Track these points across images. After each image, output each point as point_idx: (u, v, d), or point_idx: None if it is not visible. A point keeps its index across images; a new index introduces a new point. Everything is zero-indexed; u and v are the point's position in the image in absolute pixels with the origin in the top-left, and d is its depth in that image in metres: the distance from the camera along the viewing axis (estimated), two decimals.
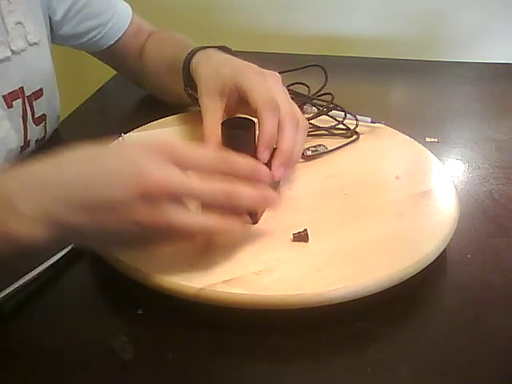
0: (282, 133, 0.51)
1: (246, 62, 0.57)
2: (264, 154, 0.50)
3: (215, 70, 0.57)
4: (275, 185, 0.54)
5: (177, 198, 0.40)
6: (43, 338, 0.44)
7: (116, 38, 0.77)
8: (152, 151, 0.40)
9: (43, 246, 0.39)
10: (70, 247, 0.51)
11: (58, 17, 0.71)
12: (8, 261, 0.40)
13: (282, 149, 0.51)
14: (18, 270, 0.48)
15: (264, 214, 0.53)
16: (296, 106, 0.55)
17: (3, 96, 0.61)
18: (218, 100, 0.55)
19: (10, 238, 0.38)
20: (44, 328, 0.45)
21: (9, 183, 0.39)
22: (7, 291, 0.46)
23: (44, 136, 0.71)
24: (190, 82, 0.62)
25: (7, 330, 0.45)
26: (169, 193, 0.39)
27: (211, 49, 0.64)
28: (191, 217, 0.42)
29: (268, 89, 0.52)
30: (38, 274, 0.48)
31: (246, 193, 0.43)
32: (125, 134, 0.64)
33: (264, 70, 0.56)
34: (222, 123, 0.52)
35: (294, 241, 0.49)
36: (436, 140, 0.75)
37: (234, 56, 0.61)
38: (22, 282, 0.47)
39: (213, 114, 0.55)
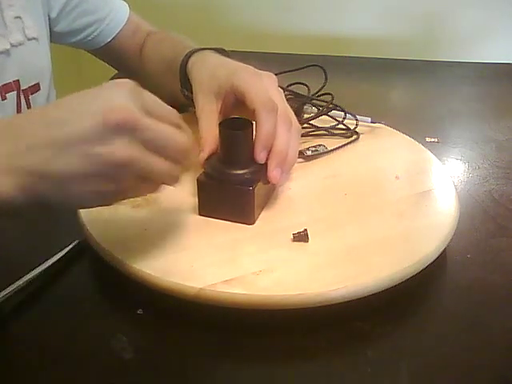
0: (275, 134, 0.51)
1: (241, 64, 0.57)
2: (261, 155, 0.50)
3: (211, 72, 0.57)
4: (272, 186, 0.54)
5: (136, 132, 0.39)
6: (43, 338, 0.44)
7: (113, 35, 0.78)
8: (120, 90, 0.40)
9: (14, 204, 0.38)
10: (69, 247, 0.51)
11: (54, 14, 0.71)
12: None
13: (276, 150, 0.51)
14: (18, 269, 0.48)
15: (264, 214, 0.53)
16: (290, 109, 0.55)
17: None
18: (213, 102, 0.55)
19: None
20: (44, 328, 0.45)
21: None
22: (7, 291, 0.46)
23: None
24: (187, 83, 0.63)
25: (7, 330, 0.45)
26: (129, 123, 0.38)
27: (207, 51, 0.64)
28: (152, 156, 0.40)
29: (265, 89, 0.52)
30: (37, 274, 0.48)
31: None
32: None
33: (260, 71, 0.56)
34: (220, 124, 0.52)
35: (294, 241, 0.49)
36: (436, 140, 0.75)
37: (230, 58, 0.61)
38: (21, 281, 0.47)
39: (208, 116, 0.55)
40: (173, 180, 0.43)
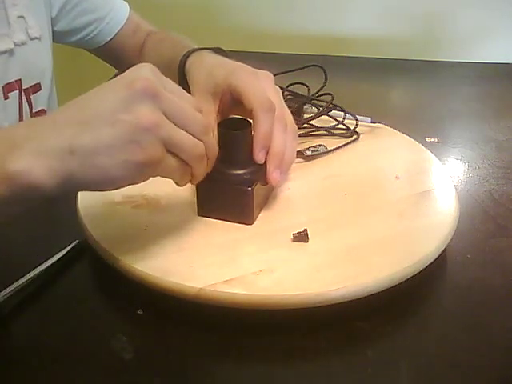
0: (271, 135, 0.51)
1: (238, 63, 0.57)
2: (260, 155, 0.50)
3: (208, 72, 0.57)
4: (271, 186, 0.54)
5: (159, 100, 0.40)
6: (43, 338, 0.44)
7: (113, 34, 0.78)
8: (143, 67, 0.42)
9: (45, 189, 0.38)
10: (69, 247, 0.51)
11: (53, 13, 0.72)
12: (12, 214, 0.40)
13: (273, 152, 0.51)
14: (18, 269, 0.48)
15: (264, 214, 0.53)
16: (286, 108, 0.55)
17: (1, 87, 0.62)
18: (211, 102, 0.55)
19: (9, 177, 0.37)
20: (44, 328, 0.45)
21: (16, 126, 0.41)
22: (7, 291, 0.46)
23: None
24: (185, 83, 0.63)
25: (7, 330, 0.45)
26: (152, 90, 0.40)
27: (205, 51, 0.63)
28: (175, 126, 0.41)
29: (262, 89, 0.52)
30: (37, 274, 0.48)
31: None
32: None
33: (257, 70, 0.55)
34: (218, 124, 0.51)
35: (294, 241, 0.49)
36: (436, 140, 0.75)
37: (228, 58, 0.61)
38: (22, 281, 0.47)
39: (206, 116, 0.55)
40: (198, 158, 0.44)
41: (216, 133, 0.51)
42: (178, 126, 0.41)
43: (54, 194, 0.39)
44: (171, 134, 0.41)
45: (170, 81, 0.43)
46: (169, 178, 0.44)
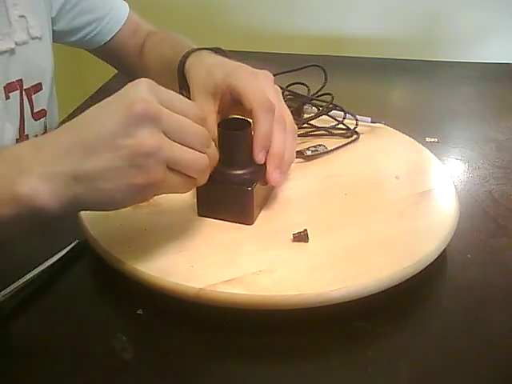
0: (271, 136, 0.51)
1: (238, 63, 0.57)
2: (260, 155, 0.50)
3: (207, 72, 0.57)
4: (271, 186, 0.54)
5: (159, 122, 0.40)
6: (43, 338, 0.44)
7: (113, 34, 0.78)
8: (138, 86, 0.41)
9: (50, 211, 0.39)
10: (69, 247, 0.51)
11: (53, 12, 0.72)
12: (17, 232, 0.41)
13: (273, 152, 0.51)
14: (18, 269, 0.48)
15: (264, 214, 0.53)
16: (286, 108, 0.55)
17: (3, 87, 0.62)
18: (210, 102, 0.55)
19: (16, 198, 0.39)
20: (44, 328, 0.45)
21: (22, 146, 0.42)
22: (7, 291, 0.46)
23: (44, 133, 0.71)
24: (185, 84, 0.63)
25: (7, 330, 0.45)
26: (151, 113, 0.40)
27: (205, 51, 0.63)
28: (176, 144, 0.41)
29: (262, 89, 0.52)
30: (37, 274, 0.48)
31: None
32: None
33: (256, 70, 0.55)
34: (218, 124, 0.51)
35: (294, 241, 0.49)
36: (436, 140, 0.75)
37: (228, 58, 0.61)
38: (21, 281, 0.47)
39: (206, 118, 0.55)
40: (203, 170, 0.44)
41: (216, 133, 0.51)
42: (180, 143, 0.42)
43: (59, 214, 0.40)
44: (173, 154, 0.41)
45: (169, 92, 0.43)
46: (173, 193, 0.44)
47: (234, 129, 0.50)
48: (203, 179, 0.45)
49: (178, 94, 0.44)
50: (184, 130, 0.42)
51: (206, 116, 0.45)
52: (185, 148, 0.42)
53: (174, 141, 0.41)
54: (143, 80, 0.42)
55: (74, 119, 0.42)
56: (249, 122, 0.51)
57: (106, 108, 0.41)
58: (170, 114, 0.41)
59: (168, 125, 0.41)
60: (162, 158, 0.40)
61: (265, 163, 0.51)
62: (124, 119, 0.39)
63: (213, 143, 0.45)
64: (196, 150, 0.43)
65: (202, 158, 0.43)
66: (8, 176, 0.39)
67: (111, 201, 0.41)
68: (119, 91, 0.42)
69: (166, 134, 0.41)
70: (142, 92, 0.41)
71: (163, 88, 0.43)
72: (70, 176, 0.39)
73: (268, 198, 0.55)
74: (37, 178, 0.39)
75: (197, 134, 0.43)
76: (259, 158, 0.50)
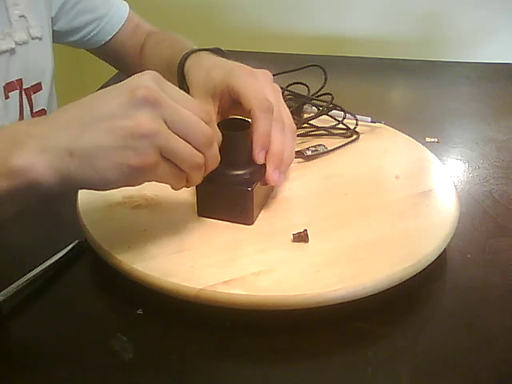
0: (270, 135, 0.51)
1: (236, 63, 0.57)
2: (259, 155, 0.50)
3: (206, 73, 0.57)
4: (270, 186, 0.54)
5: (161, 108, 0.41)
6: (43, 338, 0.44)
7: (113, 33, 0.78)
8: (145, 76, 0.42)
9: (45, 185, 0.39)
10: (69, 247, 0.51)
11: (53, 12, 0.72)
12: (13, 210, 0.41)
13: (272, 152, 0.51)
14: (18, 269, 0.48)
15: (263, 214, 0.53)
16: (285, 107, 0.55)
17: (3, 87, 0.62)
18: (209, 103, 0.55)
19: (11, 171, 0.39)
20: (44, 328, 0.45)
21: (18, 124, 0.43)
22: (7, 291, 0.46)
23: None
24: (184, 85, 0.63)
25: (7, 330, 0.45)
26: (154, 97, 0.40)
27: (204, 52, 0.63)
28: (174, 135, 0.42)
29: (261, 89, 0.52)
30: (37, 274, 0.48)
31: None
32: None
33: (255, 70, 0.55)
34: (218, 125, 0.51)
35: (294, 241, 0.49)
36: (436, 140, 0.75)
37: (227, 58, 0.60)
38: (21, 281, 0.47)
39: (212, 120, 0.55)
40: (196, 168, 0.44)
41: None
42: (179, 135, 0.42)
43: (54, 190, 0.40)
44: (168, 142, 0.41)
45: (177, 88, 0.43)
46: (164, 183, 0.44)
47: (234, 129, 0.50)
48: (196, 177, 0.45)
49: (184, 93, 0.44)
50: (185, 123, 0.42)
51: (211, 119, 0.45)
52: (182, 141, 0.42)
53: (174, 131, 0.41)
54: (149, 71, 0.43)
55: (76, 101, 0.42)
56: (248, 122, 0.51)
57: (109, 91, 0.42)
58: (172, 104, 0.41)
59: (169, 114, 0.41)
60: (156, 143, 0.40)
61: (264, 163, 0.51)
62: (126, 101, 0.40)
63: (215, 145, 0.45)
64: (194, 147, 0.43)
65: (196, 156, 0.43)
66: (3, 150, 0.39)
67: (102, 180, 0.41)
68: (125, 80, 0.42)
69: (166, 123, 0.41)
70: (148, 80, 0.41)
71: (170, 84, 0.43)
72: (65, 150, 0.39)
73: (268, 198, 0.55)
74: (32, 150, 0.39)
75: (198, 131, 0.43)
76: (259, 157, 0.50)
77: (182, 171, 0.44)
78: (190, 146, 0.43)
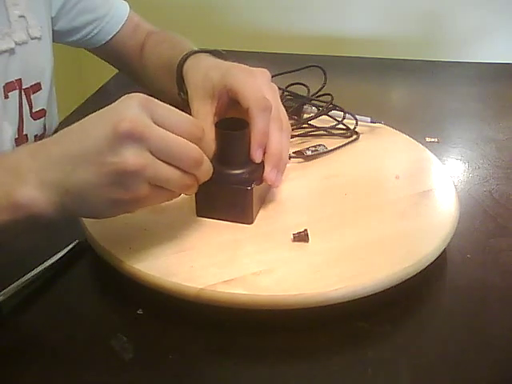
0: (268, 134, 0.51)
1: (234, 63, 0.57)
2: (257, 153, 0.50)
3: (204, 74, 0.57)
4: (267, 187, 0.54)
5: (146, 141, 0.40)
6: (43, 338, 0.44)
7: (113, 33, 0.78)
8: (130, 102, 0.42)
9: (46, 217, 0.41)
10: (69, 247, 0.51)
11: (53, 13, 0.72)
12: (16, 234, 0.43)
13: (270, 151, 0.51)
14: (18, 270, 0.48)
15: (264, 214, 0.53)
16: (282, 107, 0.55)
17: (2, 87, 0.62)
18: (208, 104, 0.55)
19: (15, 206, 0.40)
20: (44, 328, 0.45)
21: (19, 153, 0.43)
22: (7, 291, 0.46)
23: (43, 133, 0.71)
24: (183, 86, 0.63)
25: (7, 330, 0.45)
26: (138, 132, 0.40)
27: (202, 54, 0.63)
28: (162, 164, 0.42)
29: (258, 88, 0.52)
30: (37, 274, 0.48)
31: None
32: None
33: (253, 69, 0.55)
34: (216, 124, 0.51)
35: (294, 241, 0.49)
36: (436, 140, 0.75)
37: (227, 59, 0.60)
38: (21, 281, 0.47)
39: (204, 119, 0.55)
40: (186, 189, 0.45)
41: (214, 134, 0.51)
42: (167, 162, 0.42)
43: (54, 220, 0.42)
44: (156, 173, 0.42)
45: (165, 106, 0.43)
46: (158, 204, 0.45)
47: (232, 129, 0.50)
48: (189, 193, 0.46)
49: (174, 109, 0.43)
50: (172, 151, 0.42)
51: (201, 135, 0.44)
52: (170, 168, 0.42)
53: (161, 159, 0.42)
54: (137, 96, 0.42)
55: (68, 128, 0.43)
56: (247, 121, 0.51)
57: (96, 121, 0.42)
58: (158, 134, 0.41)
59: (155, 144, 0.41)
60: (145, 176, 0.41)
61: (262, 162, 0.51)
62: (111, 136, 0.40)
63: (206, 159, 0.45)
64: (184, 170, 0.43)
65: (186, 178, 0.44)
66: (6, 183, 0.41)
67: (98, 212, 0.44)
68: (113, 104, 0.42)
69: (152, 153, 0.41)
70: (133, 109, 0.41)
71: (159, 103, 0.43)
72: (61, 187, 0.41)
73: (266, 197, 0.55)
74: (33, 185, 0.41)
75: (184, 157, 0.43)
76: (256, 156, 0.50)
77: (174, 192, 0.45)
78: (178, 171, 0.43)
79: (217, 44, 0.66)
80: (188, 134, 0.43)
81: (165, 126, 0.42)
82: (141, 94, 0.42)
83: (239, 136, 0.50)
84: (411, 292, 0.48)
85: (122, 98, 0.42)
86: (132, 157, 0.40)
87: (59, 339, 0.44)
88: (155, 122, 0.41)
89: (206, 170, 0.46)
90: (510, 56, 1.13)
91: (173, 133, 0.42)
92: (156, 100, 0.43)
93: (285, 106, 0.57)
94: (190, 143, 0.43)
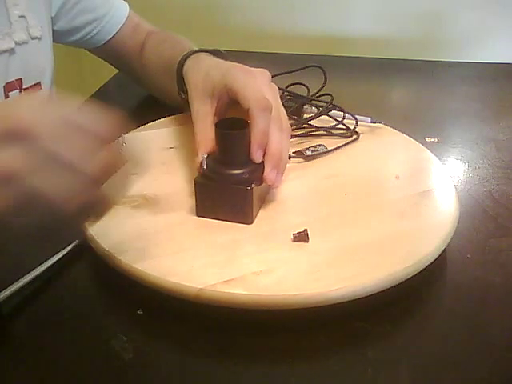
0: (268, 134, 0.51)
1: (234, 63, 0.57)
2: (257, 154, 0.50)
3: (205, 74, 0.57)
4: (267, 186, 0.54)
5: (35, 143, 0.35)
6: (43, 338, 0.44)
7: (113, 33, 0.78)
8: (26, 101, 0.38)
9: None
10: (69, 247, 0.51)
11: (53, 12, 0.72)
12: None
13: (271, 152, 0.51)
14: (18, 270, 0.48)
15: (264, 214, 0.53)
16: (282, 107, 0.55)
17: (3, 86, 0.62)
18: (208, 104, 0.55)
19: None
20: (44, 328, 0.45)
21: None
22: (7, 291, 0.46)
23: None
24: (183, 86, 0.63)
25: (7, 330, 0.45)
26: (22, 132, 0.35)
27: (203, 53, 0.64)
28: (47, 172, 0.36)
29: (258, 88, 0.52)
30: (37, 274, 0.48)
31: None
32: (124, 134, 0.64)
33: (253, 69, 0.55)
34: (216, 124, 0.51)
35: (294, 241, 0.49)
36: (436, 140, 0.75)
37: (228, 59, 0.60)
38: (21, 282, 0.47)
39: (203, 119, 0.55)
40: (64, 201, 0.37)
41: (214, 134, 0.51)
42: (58, 169, 0.36)
43: None
44: (33, 187, 0.36)
45: (70, 107, 0.38)
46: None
47: (232, 129, 0.50)
48: (71, 205, 0.38)
49: (84, 109, 0.38)
50: (56, 159, 0.36)
51: (111, 140, 0.39)
52: (58, 177, 0.36)
53: (48, 170, 0.36)
54: (37, 95, 0.38)
55: None
56: (247, 121, 0.51)
57: None
58: (49, 137, 0.36)
59: (44, 147, 0.36)
60: (18, 189, 0.36)
61: (262, 162, 0.51)
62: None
63: (101, 184, 0.38)
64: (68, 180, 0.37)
65: (66, 190, 0.37)
66: None
67: None
68: (11, 97, 0.38)
69: (42, 156, 0.35)
70: (26, 108, 0.37)
71: (64, 103, 0.38)
72: None
73: (266, 197, 0.55)
74: None
75: (79, 173, 0.37)
76: (256, 156, 0.50)
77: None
78: (59, 181, 0.36)
79: (217, 44, 0.66)
80: (90, 139, 0.38)
81: (62, 129, 0.36)
82: (41, 94, 0.37)
83: (239, 136, 0.50)
84: (411, 292, 0.48)
85: (24, 94, 0.39)
86: (9, 158, 0.35)
87: (59, 339, 0.44)
88: (53, 124, 0.36)
89: (104, 194, 0.39)
90: (510, 56, 1.13)
91: (83, 136, 0.37)
92: (59, 100, 0.38)
93: (285, 106, 0.57)
94: (91, 154, 0.37)
